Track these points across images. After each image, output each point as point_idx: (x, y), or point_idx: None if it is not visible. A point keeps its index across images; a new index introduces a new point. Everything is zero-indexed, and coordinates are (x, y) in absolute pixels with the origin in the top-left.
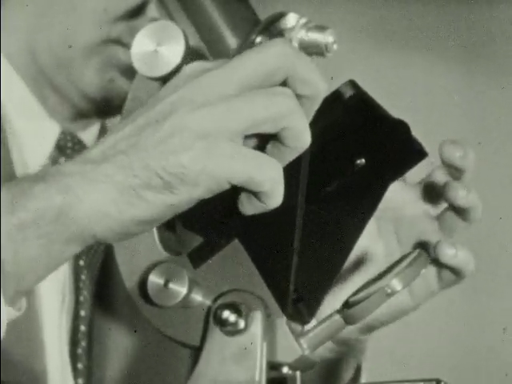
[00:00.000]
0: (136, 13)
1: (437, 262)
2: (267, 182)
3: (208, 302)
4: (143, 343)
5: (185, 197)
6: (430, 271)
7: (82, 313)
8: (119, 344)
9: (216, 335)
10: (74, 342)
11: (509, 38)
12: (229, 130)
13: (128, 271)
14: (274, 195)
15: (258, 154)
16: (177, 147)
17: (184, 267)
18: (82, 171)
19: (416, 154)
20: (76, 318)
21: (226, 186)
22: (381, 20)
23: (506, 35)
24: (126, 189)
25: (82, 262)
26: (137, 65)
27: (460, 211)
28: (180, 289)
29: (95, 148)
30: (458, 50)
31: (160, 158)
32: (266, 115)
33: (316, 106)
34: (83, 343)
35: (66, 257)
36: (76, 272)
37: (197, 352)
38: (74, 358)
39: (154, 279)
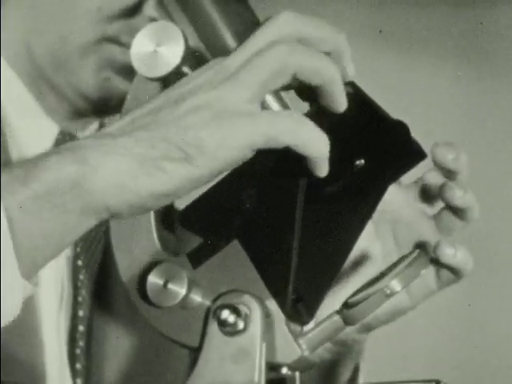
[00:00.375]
0: (133, 11)
1: (436, 262)
2: (287, 135)
3: (207, 303)
4: (142, 343)
5: (205, 170)
6: (429, 271)
7: (81, 313)
8: (118, 344)
9: (215, 336)
10: (72, 342)
11: (509, 40)
12: (243, 98)
13: (127, 271)
14: (311, 145)
15: (273, 112)
16: (195, 123)
17: (183, 267)
18: (99, 144)
19: (415, 155)
20: (74, 318)
21: (249, 155)
22: (381, 21)
23: (506, 37)
24: (145, 160)
25: (80, 262)
26: (136, 65)
27: (457, 211)
28: (179, 289)
29: (113, 126)
30: (458, 51)
31: (179, 133)
32: (275, 68)
33: (337, 87)
34: (81, 343)
35: (80, 230)
36: (74, 272)
37: (196, 352)
38: (72, 358)
39: (153, 279)
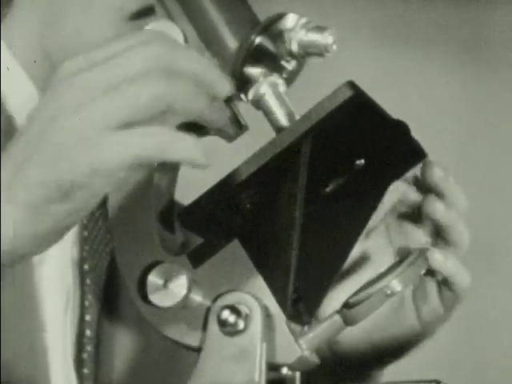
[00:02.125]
0: (147, 12)
1: (431, 273)
2: (158, 152)
3: (207, 303)
4: (151, 348)
5: (86, 203)
6: (432, 289)
7: (88, 317)
8: (126, 349)
9: (215, 336)
10: (79, 347)
11: (509, 40)
12: (106, 122)
13: (127, 271)
14: (184, 157)
15: (140, 131)
16: (66, 159)
17: (184, 267)
18: None
19: (415, 154)
20: (81, 323)
21: (121, 175)
22: (380, 21)
23: (508, 35)
24: (27, 206)
25: (86, 267)
26: None
27: (440, 229)
28: (179, 289)
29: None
30: (459, 51)
31: (53, 173)
32: (143, 102)
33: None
34: (89, 348)
35: None
36: (81, 276)
37: (196, 352)
38: (79, 363)
39: (154, 279)
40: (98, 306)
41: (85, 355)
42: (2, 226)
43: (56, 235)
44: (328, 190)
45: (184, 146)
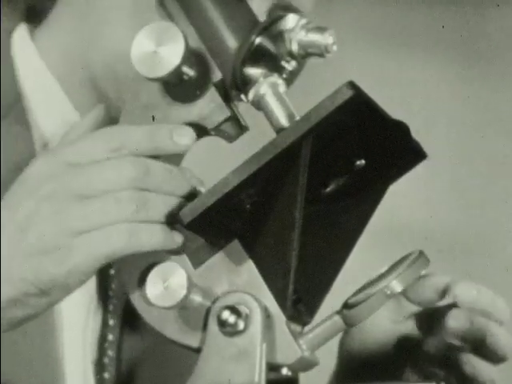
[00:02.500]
0: None
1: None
2: (123, 246)
3: (207, 303)
4: (173, 353)
5: (60, 296)
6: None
7: (111, 322)
8: (149, 354)
9: (215, 336)
10: (100, 351)
11: (509, 40)
12: (78, 228)
13: (127, 271)
14: (148, 245)
15: (103, 230)
16: (44, 261)
17: (184, 267)
18: None
19: (415, 155)
20: (104, 327)
21: (95, 271)
22: (380, 21)
23: (506, 36)
24: (11, 299)
25: (112, 271)
26: (137, 65)
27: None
28: (179, 290)
29: None
30: (459, 51)
31: (32, 273)
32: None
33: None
34: (110, 352)
35: None
36: (106, 280)
37: (196, 353)
38: (100, 367)
39: (153, 279)
40: (122, 310)
41: (106, 359)
42: None
43: (32, 318)
44: (328, 190)
45: (151, 235)
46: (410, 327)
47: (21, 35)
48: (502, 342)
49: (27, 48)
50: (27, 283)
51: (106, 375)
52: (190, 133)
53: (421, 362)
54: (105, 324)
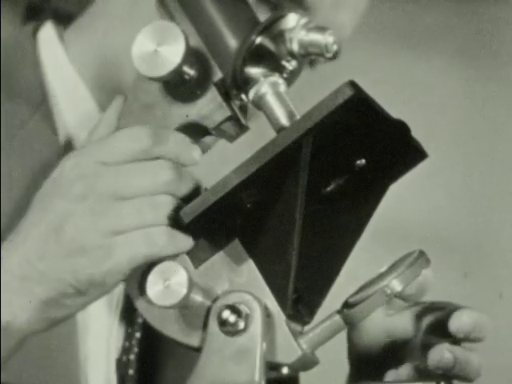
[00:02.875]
0: None
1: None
2: (163, 250)
3: (208, 302)
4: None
5: (97, 295)
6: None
7: (140, 319)
8: (175, 351)
9: (216, 335)
10: (127, 349)
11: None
12: (117, 228)
13: None
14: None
15: (144, 233)
16: (84, 262)
17: (184, 267)
18: (12, 287)
19: (416, 154)
20: (131, 325)
21: (128, 274)
22: (381, 21)
23: (507, 35)
24: (47, 300)
25: None
26: (137, 65)
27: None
28: (180, 289)
29: (13, 257)
30: (461, 50)
31: (69, 270)
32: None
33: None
34: (136, 349)
35: None
36: None
37: (197, 352)
38: (125, 364)
39: (154, 279)
40: None
41: (132, 356)
42: (19, 315)
43: (68, 318)
44: (328, 189)
45: (186, 240)
46: (402, 320)
47: (48, 35)
48: (473, 375)
49: (56, 49)
50: (65, 284)
51: (131, 372)
52: (199, 151)
53: (414, 354)
54: (132, 322)
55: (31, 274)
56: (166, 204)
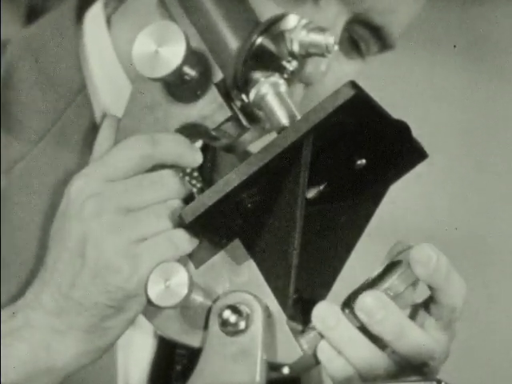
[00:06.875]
0: None
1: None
2: (182, 250)
3: (208, 303)
4: None
5: (137, 307)
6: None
7: None
8: None
9: (216, 335)
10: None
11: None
12: (138, 237)
13: None
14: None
15: (167, 235)
16: (114, 278)
17: (185, 267)
18: (46, 325)
19: (416, 154)
20: None
21: None
22: None
23: (509, 35)
24: (89, 328)
25: None
26: (138, 65)
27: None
28: (180, 289)
29: (44, 294)
30: (463, 50)
31: (103, 291)
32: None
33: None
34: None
35: None
36: None
37: (197, 352)
38: (173, 359)
39: (154, 279)
40: None
41: (182, 350)
42: (62, 354)
43: (113, 343)
44: (329, 189)
45: (195, 241)
46: None
47: (96, 15)
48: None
49: (100, 31)
50: (102, 306)
51: (178, 367)
52: (200, 152)
53: None
54: None
55: (67, 306)
56: (179, 207)
